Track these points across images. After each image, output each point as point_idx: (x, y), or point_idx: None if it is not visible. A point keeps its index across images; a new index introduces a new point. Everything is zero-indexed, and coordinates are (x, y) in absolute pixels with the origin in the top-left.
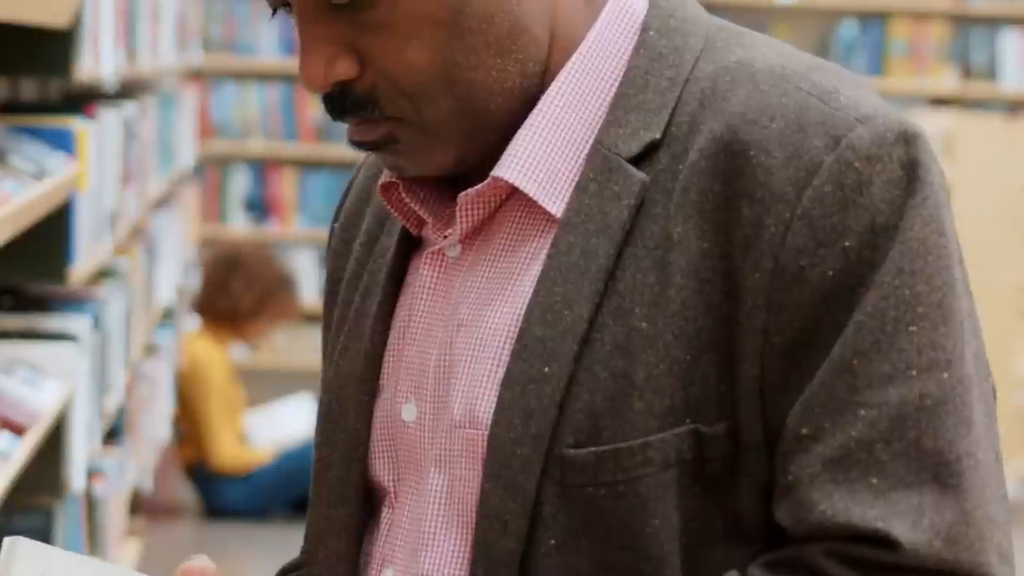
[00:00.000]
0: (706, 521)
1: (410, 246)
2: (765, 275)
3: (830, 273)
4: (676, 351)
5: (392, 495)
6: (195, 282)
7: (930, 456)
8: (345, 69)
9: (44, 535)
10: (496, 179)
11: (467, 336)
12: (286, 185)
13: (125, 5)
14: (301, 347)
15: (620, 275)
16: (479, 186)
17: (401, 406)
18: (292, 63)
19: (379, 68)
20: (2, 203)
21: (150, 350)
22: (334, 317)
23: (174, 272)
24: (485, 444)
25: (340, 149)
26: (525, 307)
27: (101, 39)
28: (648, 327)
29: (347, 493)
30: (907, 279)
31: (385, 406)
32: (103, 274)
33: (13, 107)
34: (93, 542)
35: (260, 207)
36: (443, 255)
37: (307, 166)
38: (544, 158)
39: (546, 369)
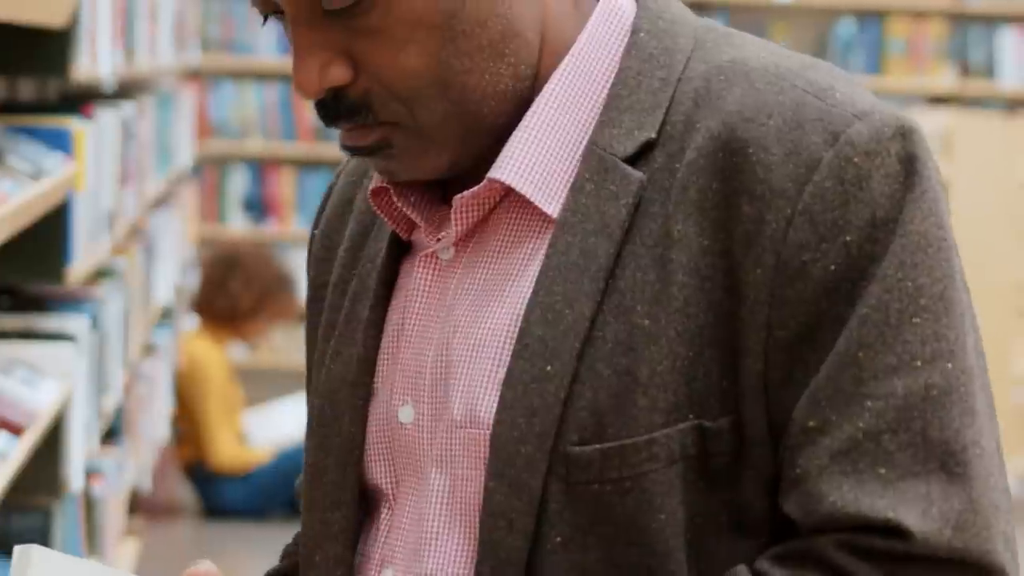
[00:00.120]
0: (711, 515)
1: (400, 250)
2: (767, 271)
3: (832, 267)
4: (679, 347)
5: (390, 497)
6: (194, 282)
7: (937, 446)
8: (339, 75)
9: (42, 535)
10: (492, 181)
11: (465, 337)
12: (284, 185)
13: (123, 5)
14: (300, 347)
15: (620, 273)
16: (474, 188)
17: (398, 408)
18: (290, 63)
19: (373, 73)
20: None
21: (148, 350)
22: (321, 322)
23: (172, 272)
24: (488, 443)
25: (338, 149)
26: (524, 307)
27: (98, 39)
28: (651, 324)
29: (343, 497)
30: (909, 272)
31: (380, 409)
32: (101, 274)
33: (11, 107)
34: (92, 542)
35: (258, 207)
36: (436, 258)
37: (305, 166)
38: (539, 159)
39: (549, 368)
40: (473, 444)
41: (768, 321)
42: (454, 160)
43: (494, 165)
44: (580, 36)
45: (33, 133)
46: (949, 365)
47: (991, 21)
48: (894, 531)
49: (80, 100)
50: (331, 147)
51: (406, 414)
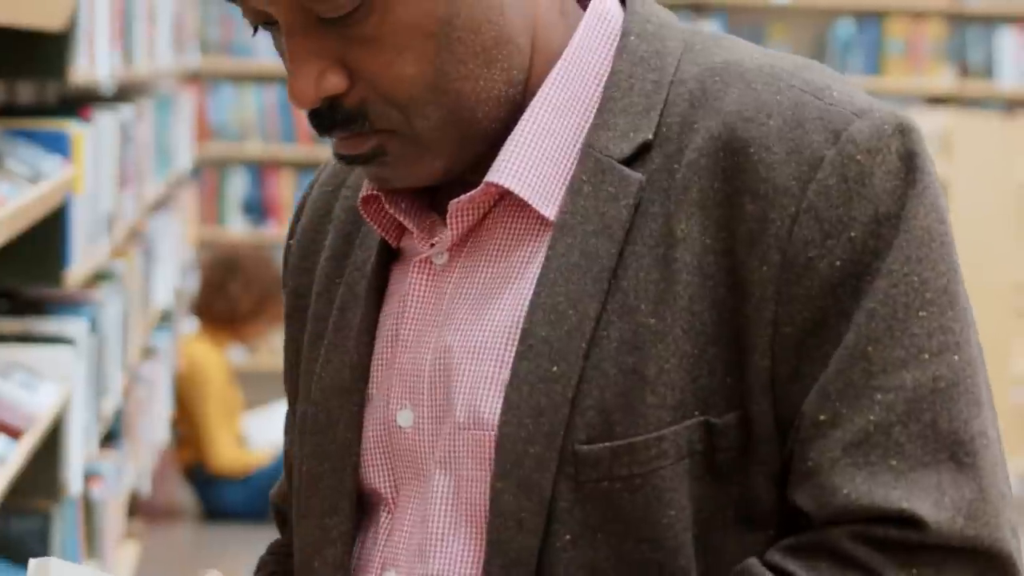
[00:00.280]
0: (718, 510)
1: (388, 257)
2: (773, 268)
3: (837, 263)
4: (685, 345)
5: (389, 500)
6: (193, 284)
7: (946, 436)
8: (335, 84)
9: (41, 538)
10: (490, 185)
11: (465, 340)
12: (284, 187)
13: (121, 7)
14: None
15: (622, 273)
16: (472, 193)
17: (396, 413)
18: None
19: (369, 81)
20: None
21: (148, 353)
22: (307, 332)
23: (172, 274)
24: (494, 444)
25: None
26: (526, 309)
27: (96, 41)
28: (656, 323)
29: (341, 502)
30: (914, 266)
31: (377, 414)
32: (100, 277)
33: (10, 110)
34: (91, 545)
35: (258, 209)
36: (431, 263)
37: (305, 168)
38: (536, 163)
39: (554, 368)
40: (477, 445)
41: (775, 318)
42: (449, 166)
43: (491, 169)
44: (571, 41)
45: (31, 136)
46: (955, 357)
47: (990, 21)
48: (908, 521)
49: (79, 103)
50: (330, 150)
51: (405, 418)
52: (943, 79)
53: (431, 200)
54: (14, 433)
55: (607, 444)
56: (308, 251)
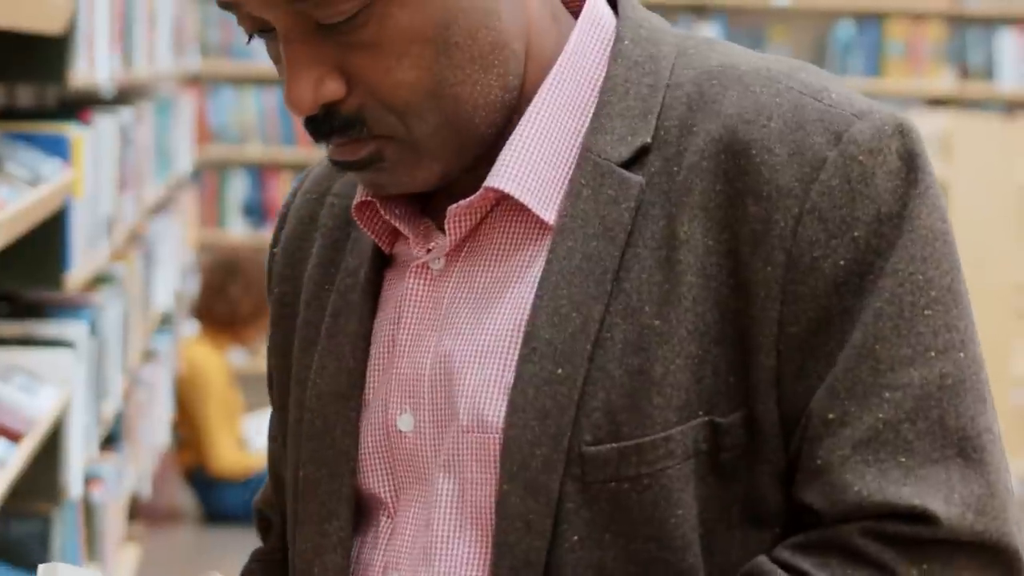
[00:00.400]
0: (722, 509)
1: (381, 263)
2: (777, 268)
3: (841, 262)
4: (690, 346)
5: (389, 504)
6: (193, 287)
7: (954, 433)
8: (333, 90)
9: (42, 542)
10: (489, 190)
11: (466, 344)
12: (284, 190)
13: (121, 10)
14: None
15: (625, 275)
16: (471, 198)
17: (396, 417)
18: None
19: (368, 87)
20: None
21: (148, 356)
22: (296, 339)
23: (172, 277)
24: (499, 447)
25: None
26: (528, 312)
27: (96, 45)
28: (661, 324)
29: (339, 508)
30: (919, 265)
31: (375, 419)
32: (100, 280)
33: (9, 113)
34: (91, 548)
35: (258, 212)
36: (427, 268)
37: (305, 171)
38: (535, 167)
39: (559, 371)
40: (482, 448)
41: (780, 317)
42: (446, 171)
43: (491, 174)
44: (566, 46)
45: (31, 139)
46: (961, 355)
47: (990, 23)
48: (920, 517)
49: (79, 106)
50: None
51: (405, 422)
52: (943, 81)
53: (424, 206)
54: (14, 436)
55: (614, 445)
56: (294, 259)
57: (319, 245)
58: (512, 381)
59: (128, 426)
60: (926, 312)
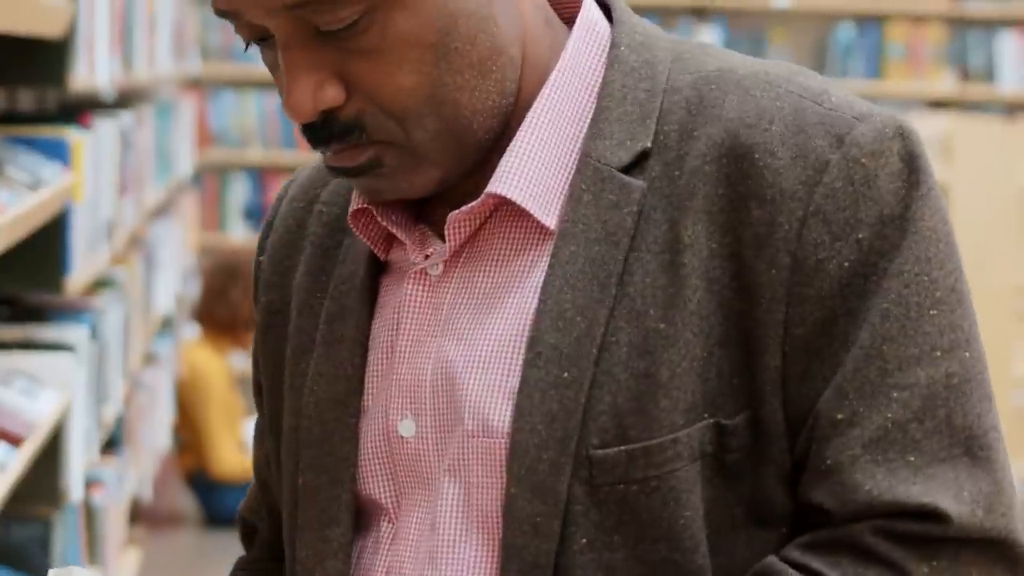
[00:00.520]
0: (728, 509)
1: (376, 270)
2: (782, 271)
3: (846, 264)
4: (695, 348)
5: (390, 509)
6: (194, 290)
7: (961, 431)
8: (333, 96)
9: (42, 545)
10: (491, 195)
11: (469, 349)
12: None
13: (120, 14)
14: None
15: (628, 279)
16: (472, 204)
17: (397, 423)
18: None
19: (367, 92)
20: None
21: (149, 359)
22: (288, 346)
23: (173, 281)
24: (506, 451)
25: None
26: (531, 316)
27: (96, 48)
28: (667, 327)
29: (340, 514)
30: (924, 266)
31: (375, 425)
32: (101, 284)
33: (10, 117)
34: (92, 552)
35: (259, 215)
36: (425, 274)
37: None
38: (536, 173)
39: (566, 374)
40: (488, 453)
41: (785, 319)
42: (444, 177)
43: (492, 180)
44: (564, 52)
45: (30, 143)
46: (966, 354)
47: (990, 25)
48: (930, 515)
49: (79, 110)
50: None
51: (407, 428)
52: (944, 83)
53: (418, 212)
54: (15, 440)
55: (622, 448)
56: (282, 266)
57: (308, 253)
58: (517, 386)
59: (129, 430)
60: (931, 312)
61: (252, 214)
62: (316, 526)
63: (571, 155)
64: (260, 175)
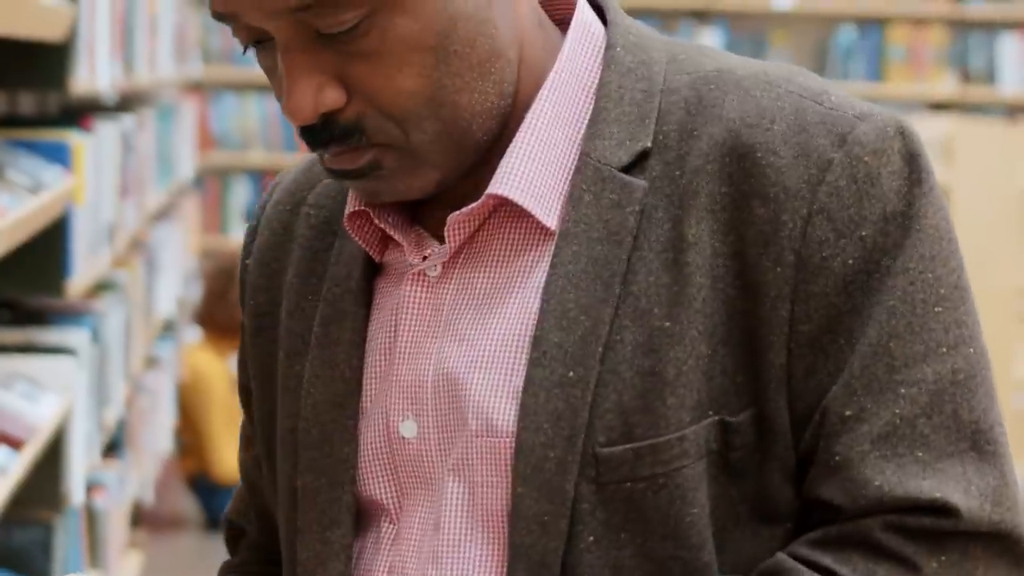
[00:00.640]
0: (733, 506)
1: (371, 272)
2: (788, 268)
3: (850, 261)
4: (700, 346)
5: (391, 510)
6: (196, 294)
7: (967, 426)
8: (334, 99)
9: (44, 549)
10: (491, 196)
11: (471, 349)
12: None
13: (122, 18)
14: None
15: (632, 278)
16: (473, 205)
17: (398, 424)
18: None
19: (368, 95)
20: None
21: (151, 362)
22: (280, 348)
23: (174, 284)
24: (511, 450)
25: None
26: (534, 316)
27: (97, 52)
28: (672, 325)
29: (341, 515)
30: (929, 264)
31: (374, 426)
32: (102, 287)
33: (11, 121)
34: (94, 555)
35: None
36: (424, 275)
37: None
38: (536, 174)
39: (571, 373)
40: (493, 452)
41: (791, 317)
42: (443, 179)
43: (493, 181)
44: (560, 53)
45: (32, 147)
46: (971, 350)
47: (991, 27)
48: (941, 510)
49: (80, 113)
50: None
51: (408, 428)
52: (945, 85)
53: (413, 214)
54: (16, 444)
55: (629, 446)
56: (269, 269)
57: (297, 255)
58: (522, 385)
59: (130, 433)
60: (936, 309)
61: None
62: (316, 528)
63: (570, 155)
64: (261, 178)
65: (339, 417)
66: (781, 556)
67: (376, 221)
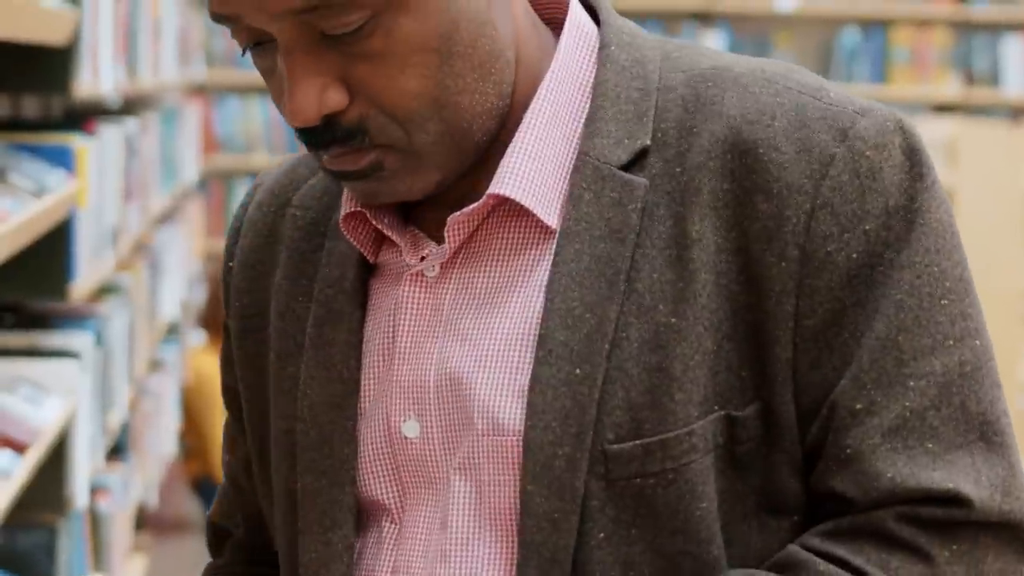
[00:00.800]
0: (740, 499)
1: (365, 273)
2: (792, 263)
3: (854, 255)
4: (706, 342)
5: (393, 510)
6: (200, 297)
7: (975, 418)
8: (337, 100)
9: (48, 553)
10: (492, 196)
11: (474, 349)
12: None
13: (125, 21)
14: None
15: (635, 275)
16: (474, 205)
17: (401, 424)
18: None
19: (371, 96)
20: (1, 220)
21: (155, 365)
22: (272, 350)
23: (178, 287)
24: (519, 449)
25: None
26: (538, 315)
27: (100, 55)
28: (678, 321)
29: (343, 516)
30: (934, 257)
31: (374, 427)
32: (105, 290)
33: (15, 124)
34: (98, 559)
35: None
36: (422, 275)
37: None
38: (537, 173)
39: (577, 371)
40: (500, 451)
41: (796, 311)
42: (443, 179)
43: (494, 181)
44: (557, 52)
45: (35, 151)
46: (977, 342)
47: (995, 29)
48: (954, 500)
49: (84, 117)
50: None
51: (411, 429)
52: (949, 87)
53: (406, 214)
54: (20, 447)
55: (639, 442)
56: (255, 271)
57: (286, 257)
58: (528, 384)
59: (134, 436)
60: (943, 302)
61: None
62: (318, 529)
63: (568, 154)
64: None
65: (338, 418)
66: (794, 548)
67: (373, 222)
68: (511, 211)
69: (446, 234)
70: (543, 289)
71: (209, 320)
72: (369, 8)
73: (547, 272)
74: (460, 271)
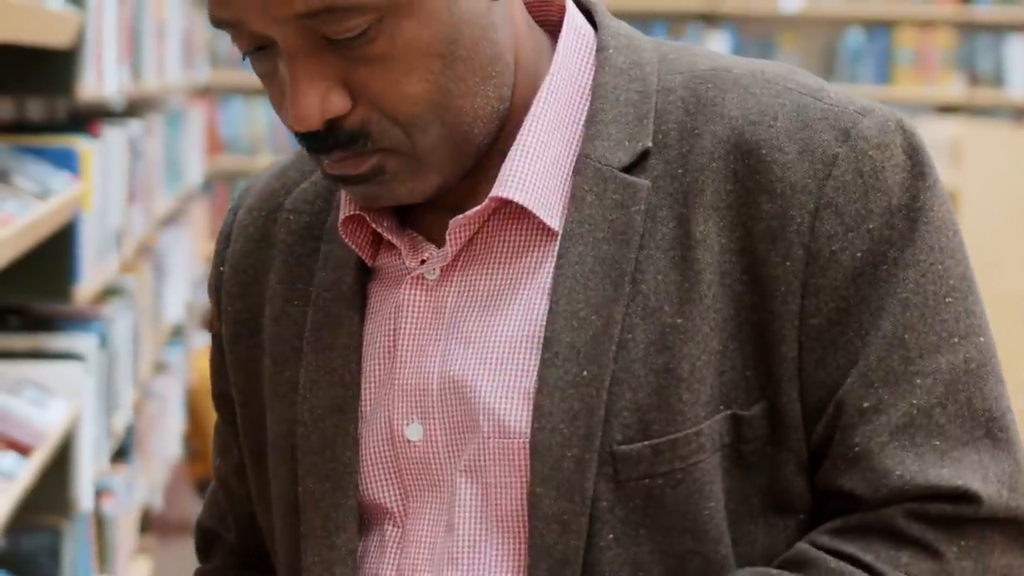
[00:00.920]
0: (746, 498)
1: (362, 276)
2: (797, 263)
3: (859, 254)
4: (712, 342)
5: (396, 513)
6: (204, 298)
7: (981, 414)
8: (340, 105)
9: (53, 555)
10: (494, 199)
11: (477, 351)
12: None
13: (129, 23)
14: None
15: (640, 277)
16: (476, 208)
17: (403, 427)
18: None
19: (374, 100)
20: (5, 223)
21: (159, 367)
22: (267, 355)
23: (183, 289)
24: (527, 451)
25: None
26: (542, 317)
27: (104, 57)
28: (684, 322)
29: (346, 520)
30: (938, 255)
31: (376, 430)
32: (110, 292)
33: (19, 127)
34: (103, 561)
35: None
36: (422, 278)
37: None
38: (538, 176)
39: (584, 373)
40: (507, 453)
41: (801, 310)
42: (444, 183)
43: (497, 184)
44: (555, 55)
45: (39, 153)
46: (981, 339)
47: (999, 30)
48: (962, 497)
49: (88, 119)
50: None
51: (414, 432)
52: (952, 88)
53: (403, 218)
54: (24, 450)
55: (647, 443)
56: (247, 276)
57: (280, 261)
58: (535, 386)
59: (139, 438)
60: (947, 300)
61: None
62: (322, 533)
63: (569, 157)
64: None
65: (340, 422)
66: (804, 546)
67: (373, 225)
68: (512, 214)
69: (447, 237)
70: (546, 291)
71: (213, 322)
72: (373, 13)
73: (550, 274)
74: (461, 274)
